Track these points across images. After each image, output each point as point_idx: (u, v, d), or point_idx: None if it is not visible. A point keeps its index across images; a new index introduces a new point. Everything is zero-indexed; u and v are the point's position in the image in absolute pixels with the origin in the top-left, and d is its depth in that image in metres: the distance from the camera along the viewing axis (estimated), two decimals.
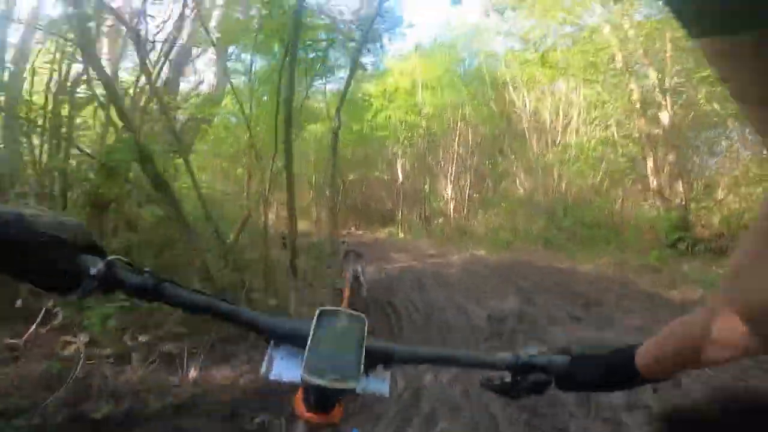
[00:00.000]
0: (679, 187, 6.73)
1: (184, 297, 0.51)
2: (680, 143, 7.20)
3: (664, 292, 5.06)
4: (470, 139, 13.22)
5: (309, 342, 0.51)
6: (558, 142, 9.96)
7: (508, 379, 0.60)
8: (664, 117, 6.85)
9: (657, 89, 6.82)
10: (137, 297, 0.48)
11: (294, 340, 0.53)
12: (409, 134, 13.40)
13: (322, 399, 0.52)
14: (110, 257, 0.46)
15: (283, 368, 0.53)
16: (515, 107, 11.05)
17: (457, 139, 13.11)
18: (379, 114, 13.36)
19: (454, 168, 13.25)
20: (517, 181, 12.71)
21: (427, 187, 13.65)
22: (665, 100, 6.88)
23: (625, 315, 4.23)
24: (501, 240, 9.64)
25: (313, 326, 0.53)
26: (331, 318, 0.55)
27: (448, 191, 13.33)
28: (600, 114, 9.43)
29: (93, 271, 0.44)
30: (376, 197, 18.84)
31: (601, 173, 9.43)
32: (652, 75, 6.92)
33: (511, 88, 11.03)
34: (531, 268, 7.01)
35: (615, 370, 0.54)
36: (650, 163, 7.37)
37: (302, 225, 22.44)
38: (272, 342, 0.54)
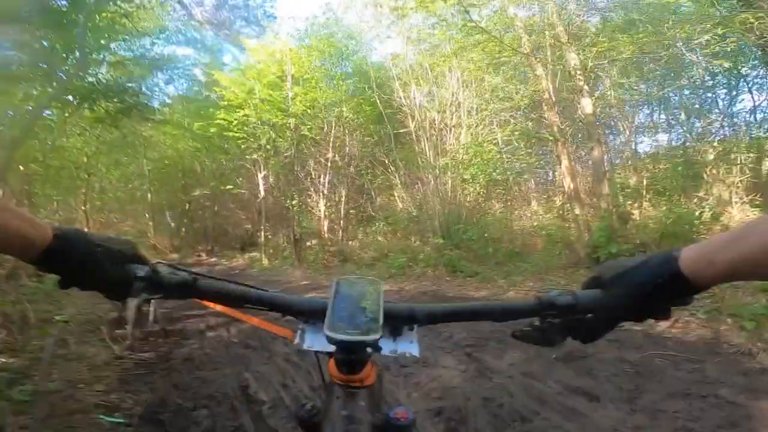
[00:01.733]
0: (605, 188, 5.67)
1: (219, 289, 0.56)
2: (602, 136, 6.31)
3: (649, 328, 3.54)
4: (347, 144, 11.25)
5: (329, 306, 0.53)
6: (450, 143, 8.56)
7: (537, 324, 0.56)
8: (586, 104, 5.78)
9: (578, 73, 5.74)
10: (179, 294, 0.53)
11: (316, 312, 0.56)
12: (274, 138, 10.81)
13: (349, 356, 0.52)
14: (153, 261, 0.53)
15: (314, 340, 0.56)
16: (401, 105, 9.45)
17: (331, 144, 11.02)
18: (235, 113, 10.54)
19: (327, 179, 11.09)
20: (396, 194, 11.17)
21: (295, 203, 11.17)
22: (587, 85, 5.85)
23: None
24: (394, 263, 7.72)
25: (332, 293, 0.56)
26: (349, 284, 0.58)
27: (321, 207, 11.08)
28: (495, 109, 8.33)
29: (141, 273, 0.51)
30: (234, 217, 15.57)
31: (497, 177, 8.28)
32: (572, 57, 5.84)
33: (397, 84, 9.40)
34: (446, 300, 5.17)
35: (658, 285, 0.47)
36: (565, 162, 6.26)
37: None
38: (300, 317, 0.58)
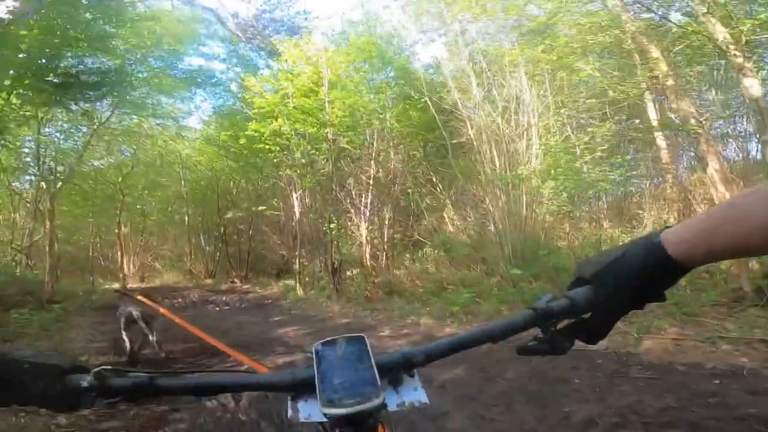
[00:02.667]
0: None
1: (186, 382, 0.51)
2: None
3: None
4: (392, 158, 9.84)
5: (316, 377, 0.49)
6: (522, 151, 6.91)
7: (541, 336, 0.54)
8: (751, 85, 4.02)
9: (731, 48, 4.01)
10: (138, 398, 0.49)
11: (305, 386, 0.51)
12: (309, 151, 9.57)
13: (354, 428, 0.46)
14: (96, 368, 0.48)
15: (311, 410, 0.50)
16: (455, 111, 7.97)
17: (373, 158, 9.65)
18: (267, 123, 9.45)
19: (369, 199, 9.67)
20: (445, 215, 9.56)
21: (333, 226, 9.80)
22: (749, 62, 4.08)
23: None
24: (456, 299, 6.07)
25: (315, 362, 0.51)
26: (330, 349, 0.53)
27: (363, 231, 9.63)
28: (580, 107, 6.65)
29: (85, 383, 0.47)
30: (270, 242, 14.45)
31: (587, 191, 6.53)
32: (719, 30, 4.10)
33: (451, 83, 7.95)
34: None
35: (646, 269, 0.48)
36: (714, 164, 4.44)
37: (172, 277, 16.30)
38: (290, 393, 0.52)
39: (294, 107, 9.07)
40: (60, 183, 10.66)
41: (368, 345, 0.53)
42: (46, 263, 9.58)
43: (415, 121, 9.80)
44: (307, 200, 10.93)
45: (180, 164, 16.10)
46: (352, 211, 9.96)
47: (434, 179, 10.05)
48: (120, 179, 13.50)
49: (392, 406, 0.50)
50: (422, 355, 0.53)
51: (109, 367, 0.49)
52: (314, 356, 0.52)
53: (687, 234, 0.46)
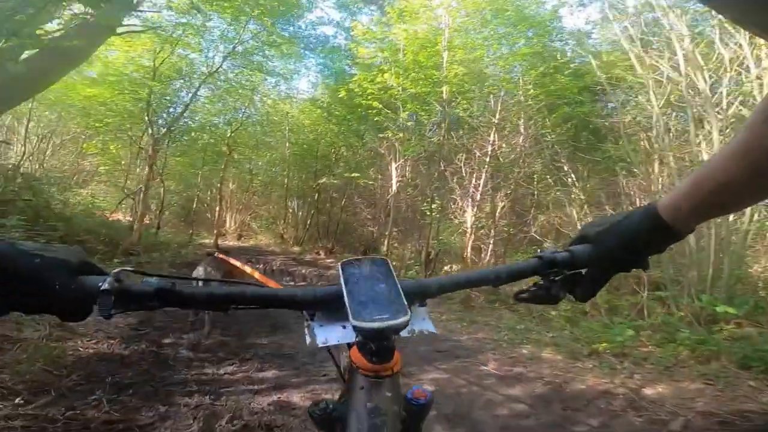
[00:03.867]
0: None
1: (205, 292, 0.49)
2: None
3: None
4: (522, 132, 7.80)
5: (345, 293, 0.49)
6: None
7: (541, 282, 0.58)
8: None
9: None
10: (157, 304, 0.46)
11: (329, 304, 0.52)
12: (417, 114, 7.99)
13: (381, 343, 0.48)
14: (117, 269, 0.45)
15: (327, 334, 0.51)
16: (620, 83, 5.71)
17: (494, 132, 7.74)
18: (371, 76, 8.06)
19: (482, 181, 7.81)
20: (574, 212, 7.30)
21: (434, 206, 8.17)
22: None
23: None
24: (604, 333, 4.10)
25: (342, 278, 0.51)
26: (356, 267, 0.54)
27: (468, 218, 7.84)
28: None
29: (104, 286, 0.42)
30: (361, 215, 13.39)
31: None
32: None
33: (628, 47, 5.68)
34: None
35: (643, 234, 0.52)
36: None
37: (265, 239, 16.13)
38: (306, 314, 0.52)
39: (405, 60, 7.49)
40: (164, 130, 10.69)
41: (391, 267, 0.54)
42: (138, 210, 9.48)
43: (558, 90, 7.61)
44: (408, 172, 9.45)
45: (286, 125, 15.73)
46: (459, 192, 8.22)
47: (566, 167, 7.84)
48: (229, 135, 13.34)
49: (404, 333, 0.50)
50: (436, 285, 0.56)
51: (129, 268, 0.46)
52: (340, 273, 0.52)
53: (676, 199, 0.49)
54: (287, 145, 15.84)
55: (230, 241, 17.10)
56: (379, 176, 10.72)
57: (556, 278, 0.57)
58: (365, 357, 0.48)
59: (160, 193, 12.81)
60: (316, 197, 14.31)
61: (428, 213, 8.17)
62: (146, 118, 8.81)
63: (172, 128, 9.69)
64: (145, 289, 0.45)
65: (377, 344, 0.47)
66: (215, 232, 12.74)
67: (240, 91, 12.77)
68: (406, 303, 0.48)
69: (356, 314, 0.46)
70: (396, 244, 9.49)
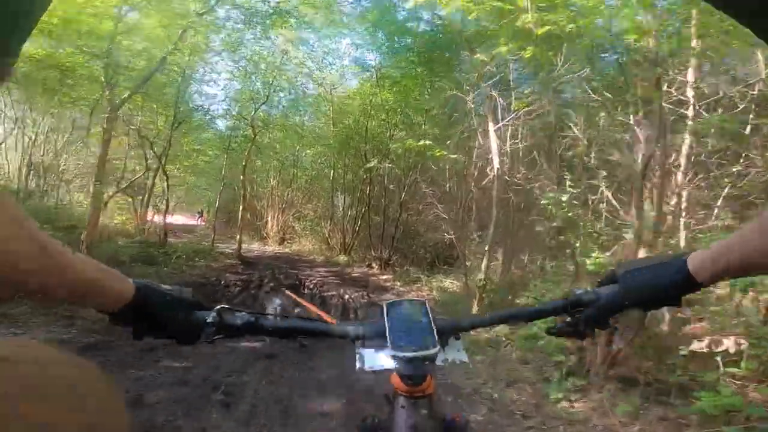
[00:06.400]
0: None
1: (279, 325, 0.63)
2: None
3: None
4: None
5: (387, 328, 0.60)
6: None
7: (568, 320, 0.63)
8: None
9: None
10: (245, 333, 0.59)
11: (374, 335, 0.61)
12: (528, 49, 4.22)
13: (413, 370, 0.57)
14: (218, 306, 0.59)
15: (372, 361, 0.61)
16: None
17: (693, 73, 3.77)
18: None
19: (686, 147, 3.89)
20: None
21: (576, 204, 4.39)
22: None
23: None
24: None
25: (385, 316, 0.62)
26: (398, 307, 0.64)
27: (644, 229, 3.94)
28: None
29: (209, 319, 0.57)
30: (429, 214, 9.77)
31: None
32: None
33: None
34: None
35: (667, 281, 0.56)
36: None
37: (309, 243, 12.96)
38: (357, 342, 0.63)
39: None
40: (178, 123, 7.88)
41: (428, 306, 0.64)
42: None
43: None
44: (507, 146, 5.69)
45: (329, 102, 12.50)
46: (609, 187, 4.36)
47: None
48: (254, 112, 10.26)
49: (439, 361, 0.60)
50: (469, 323, 0.66)
51: (226, 306, 0.59)
52: (385, 312, 0.63)
53: (707, 255, 0.53)
54: (332, 125, 12.58)
55: (271, 245, 14.20)
56: (463, 152, 6.98)
57: (580, 316, 0.61)
58: (403, 380, 0.58)
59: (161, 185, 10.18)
60: (367, 191, 10.90)
61: (562, 209, 4.40)
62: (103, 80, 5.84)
63: (140, 91, 6.60)
64: (237, 323, 0.59)
65: (412, 370, 0.57)
66: (238, 237, 9.77)
67: (259, 53, 9.65)
68: (437, 337, 0.59)
69: (395, 345, 0.57)
70: (497, 257, 5.78)
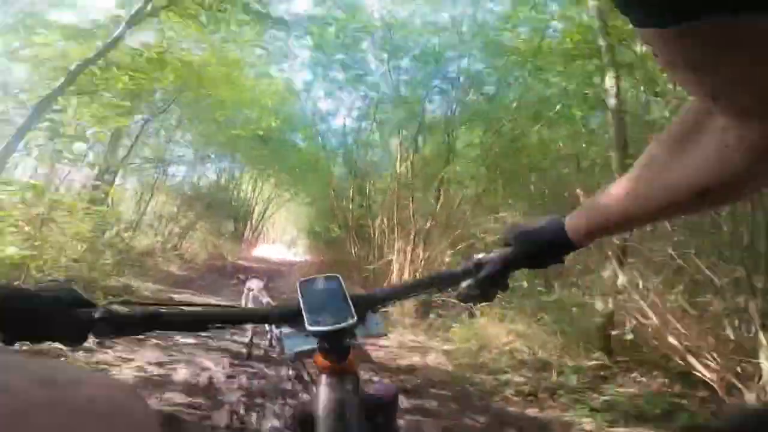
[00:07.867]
0: None
1: (180, 316, 0.56)
2: None
3: None
4: None
5: (303, 306, 0.58)
6: None
7: (472, 284, 0.65)
8: None
9: None
10: (142, 329, 0.52)
11: (290, 316, 0.59)
12: None
13: (333, 345, 0.57)
14: (108, 300, 0.52)
15: (295, 342, 0.59)
16: None
17: None
18: None
19: None
20: None
21: None
22: None
23: None
24: None
25: (300, 295, 0.60)
26: (312, 284, 0.63)
27: None
28: None
29: (97, 315, 0.49)
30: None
31: None
32: None
33: None
34: None
35: (552, 245, 0.61)
36: None
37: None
38: (273, 327, 0.71)
39: None
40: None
41: (342, 282, 0.63)
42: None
43: None
44: None
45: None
46: None
47: None
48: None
49: (358, 335, 0.59)
50: (384, 295, 0.65)
51: (120, 298, 0.54)
52: (299, 291, 0.60)
53: (577, 219, 0.59)
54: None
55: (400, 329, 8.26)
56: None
57: (484, 278, 0.64)
58: (326, 358, 0.57)
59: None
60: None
61: None
62: None
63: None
64: (134, 317, 0.51)
65: (331, 345, 0.56)
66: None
67: None
68: (352, 309, 0.57)
69: (312, 321, 0.56)
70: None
